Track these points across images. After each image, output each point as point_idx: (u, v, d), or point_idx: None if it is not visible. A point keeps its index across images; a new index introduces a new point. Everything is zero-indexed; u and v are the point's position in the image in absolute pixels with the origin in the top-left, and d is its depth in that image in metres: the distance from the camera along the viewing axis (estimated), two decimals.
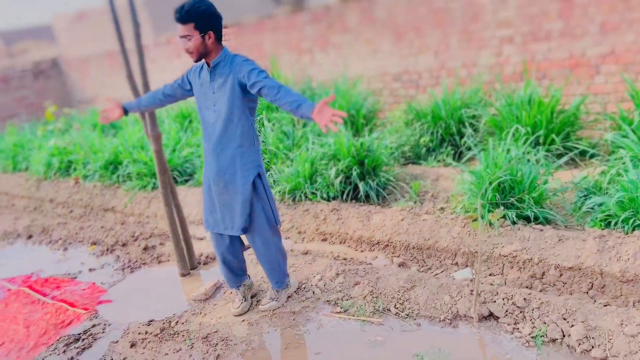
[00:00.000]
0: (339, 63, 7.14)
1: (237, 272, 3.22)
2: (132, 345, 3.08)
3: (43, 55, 16.85)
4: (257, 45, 8.02)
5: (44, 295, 3.93)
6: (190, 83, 2.97)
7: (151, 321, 3.32)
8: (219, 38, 2.77)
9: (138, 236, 4.81)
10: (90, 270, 4.34)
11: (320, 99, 6.20)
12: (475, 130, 5.22)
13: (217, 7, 2.76)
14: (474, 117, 5.29)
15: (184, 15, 2.64)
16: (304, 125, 5.88)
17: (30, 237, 5.42)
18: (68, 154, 7.30)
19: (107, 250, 4.67)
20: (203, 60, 2.83)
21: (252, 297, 3.36)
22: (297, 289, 3.40)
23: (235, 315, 3.18)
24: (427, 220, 3.89)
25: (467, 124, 5.20)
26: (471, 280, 3.15)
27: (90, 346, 3.19)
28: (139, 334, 3.18)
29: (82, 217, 5.92)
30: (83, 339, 3.26)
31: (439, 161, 5.18)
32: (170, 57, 9.43)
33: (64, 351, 3.17)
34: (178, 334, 3.14)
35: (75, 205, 6.40)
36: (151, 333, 3.17)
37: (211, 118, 2.87)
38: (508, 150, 4.10)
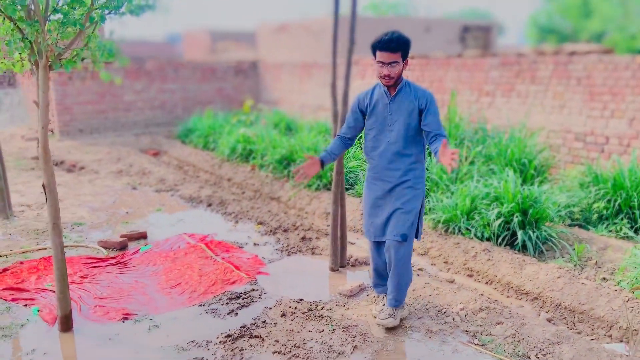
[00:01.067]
0: (520, 111, 7.06)
1: (385, 277, 3.49)
2: (282, 315, 3.48)
3: (241, 57, 19.06)
4: (439, 79, 8.26)
5: (216, 254, 4.57)
6: (362, 112, 3.32)
7: (300, 300, 3.70)
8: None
9: (298, 226, 5.31)
10: (254, 244, 4.92)
11: (495, 145, 6.23)
12: None
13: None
14: None
15: (395, 45, 3.02)
16: (472, 163, 5.95)
17: (209, 205, 6.26)
18: (251, 144, 8.25)
19: (270, 231, 5.24)
20: (375, 86, 3.29)
21: (401, 319, 3.43)
22: (437, 312, 3.52)
23: (375, 319, 3.40)
24: (586, 284, 3.73)
25: None
26: (624, 357, 2.98)
27: (248, 305, 3.66)
28: (289, 307, 3.58)
29: (252, 199, 6.66)
30: (243, 298, 3.75)
31: (610, 231, 4.88)
32: (355, 76, 10.11)
33: (227, 303, 3.69)
34: (322, 317, 3.46)
35: (247, 188, 7.21)
36: (299, 310, 3.55)
37: (387, 137, 3.23)
38: None
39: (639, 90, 5.75)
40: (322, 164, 3.28)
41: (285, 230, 5.25)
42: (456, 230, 4.84)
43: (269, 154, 7.60)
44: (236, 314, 3.54)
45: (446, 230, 4.92)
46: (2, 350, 3.09)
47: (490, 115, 7.40)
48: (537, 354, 2.98)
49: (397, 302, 3.34)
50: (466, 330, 3.29)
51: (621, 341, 3.29)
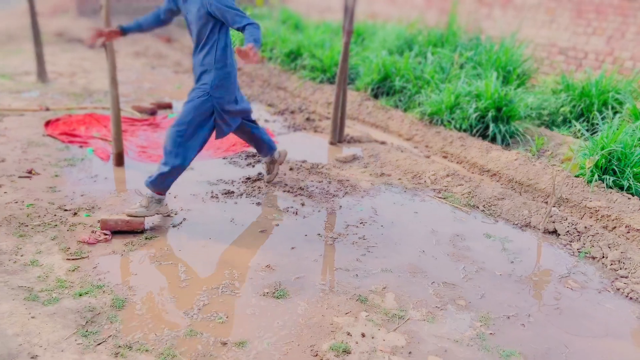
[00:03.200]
0: (514, 24, 7.60)
1: None
2: (290, 169, 4.34)
3: None
4: None
5: None
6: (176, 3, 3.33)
7: (304, 161, 4.56)
8: None
9: (303, 110, 6.08)
10: (265, 120, 5.70)
11: (485, 52, 6.85)
12: (615, 114, 5.61)
13: None
14: (619, 103, 5.66)
15: None
16: (461, 67, 6.62)
17: None
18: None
19: (279, 112, 6.01)
20: None
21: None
22: (413, 176, 4.39)
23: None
24: (536, 165, 4.60)
25: (610, 107, 5.60)
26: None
27: (261, 161, 4.52)
28: (296, 164, 4.44)
29: (261, 87, 7.35)
30: (258, 156, 4.60)
31: (571, 132, 5.69)
32: None
33: (245, 159, 4.53)
34: (322, 173, 4.33)
35: (257, 78, 7.87)
36: (304, 167, 4.41)
37: (189, 30, 3.32)
38: (633, 131, 4.58)
39: (620, 12, 6.31)
40: (124, 32, 3.40)
41: (292, 112, 6.01)
42: (439, 122, 5.63)
43: (277, 48, 8.17)
44: (253, 166, 4.40)
45: (430, 122, 5.70)
46: (71, 172, 3.95)
47: (487, 27, 7.93)
48: (484, 205, 3.90)
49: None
50: (434, 189, 4.18)
51: (555, 207, 4.21)
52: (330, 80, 7.11)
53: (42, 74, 6.16)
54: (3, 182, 3.64)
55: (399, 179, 4.35)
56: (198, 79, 3.28)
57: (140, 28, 3.40)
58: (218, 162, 4.45)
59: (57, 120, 4.92)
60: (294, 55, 7.86)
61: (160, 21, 3.41)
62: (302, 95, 7.00)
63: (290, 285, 2.74)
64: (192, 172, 4.17)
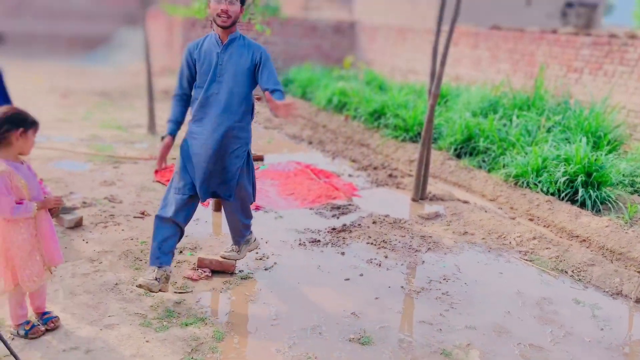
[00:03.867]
0: (604, 90, 7.49)
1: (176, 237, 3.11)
2: (373, 222, 4.50)
3: (334, 15, 19.83)
4: (531, 53, 8.73)
5: (319, 177, 5.64)
6: (193, 63, 3.04)
7: (387, 215, 4.71)
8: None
9: (386, 166, 6.28)
10: (349, 175, 5.95)
11: (574, 117, 6.78)
12: None
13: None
14: None
15: None
16: (549, 131, 6.58)
17: (310, 143, 7.36)
18: (346, 97, 9.21)
19: (362, 168, 6.24)
20: (206, 37, 3.05)
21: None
22: (498, 237, 4.39)
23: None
24: (628, 233, 4.44)
25: None
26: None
27: (346, 214, 4.71)
28: (379, 218, 4.59)
29: (345, 143, 7.68)
30: (342, 209, 4.81)
31: None
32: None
33: (330, 210, 4.76)
34: (404, 228, 4.45)
35: (340, 135, 8.23)
36: (387, 221, 4.55)
37: (214, 89, 2.99)
38: None
39: None
40: (174, 137, 3.12)
41: (374, 168, 6.23)
42: (525, 185, 5.59)
43: (362, 107, 8.54)
44: (338, 217, 4.61)
45: (516, 184, 5.68)
46: None
47: (576, 91, 7.86)
48: (572, 270, 3.81)
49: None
50: (519, 251, 4.15)
51: None
52: (413, 139, 7.29)
53: (152, 127, 6.86)
54: (121, 221, 4.09)
55: (483, 238, 4.36)
56: (225, 135, 2.99)
57: (180, 123, 3.15)
58: (305, 212, 4.70)
59: (165, 168, 5.43)
60: (377, 115, 8.17)
61: (188, 103, 3.13)
62: (385, 152, 7.22)
63: (375, 333, 2.84)
64: (282, 221, 4.44)
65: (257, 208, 4.67)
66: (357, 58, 13.47)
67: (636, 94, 7.08)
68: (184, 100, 3.11)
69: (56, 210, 2.51)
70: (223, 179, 3.08)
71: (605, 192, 5.25)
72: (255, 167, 5.92)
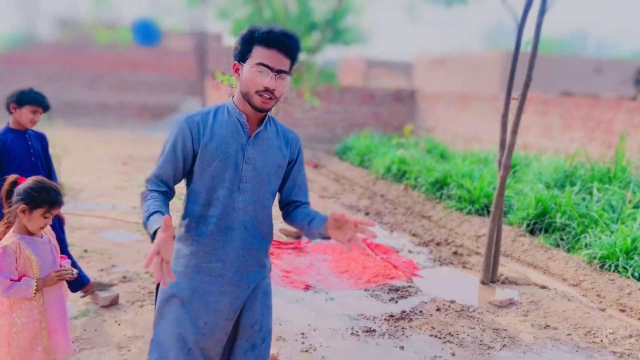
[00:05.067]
0: None
1: None
2: (437, 310, 3.96)
3: (393, 84, 19.91)
4: (607, 121, 8.10)
5: (375, 253, 5.19)
6: (191, 150, 1.90)
7: (453, 301, 4.15)
8: None
9: (450, 242, 5.74)
10: (409, 251, 5.46)
11: None
12: None
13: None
14: None
15: (294, 44, 1.87)
16: (636, 207, 5.86)
17: (367, 214, 6.96)
18: (406, 165, 8.84)
19: (424, 243, 5.74)
20: (217, 109, 1.96)
21: None
22: (586, 332, 3.72)
23: None
24: None
25: None
26: None
27: (406, 297, 4.20)
28: (444, 304, 4.05)
29: (404, 215, 7.22)
30: (401, 291, 4.30)
31: None
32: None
33: (387, 292, 4.27)
34: (474, 318, 3.87)
35: (400, 205, 7.79)
36: (452, 308, 4.00)
37: (235, 200, 1.91)
38: None
39: None
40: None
41: (437, 244, 5.71)
42: (612, 268, 4.88)
43: (422, 176, 8.11)
44: (396, 301, 4.11)
45: (601, 267, 4.97)
46: None
47: None
48: None
49: None
50: (613, 352, 3.46)
51: None
52: (479, 212, 6.73)
53: None
54: None
55: (568, 334, 3.70)
56: (258, 275, 2.01)
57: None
58: (359, 294, 4.24)
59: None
60: (439, 185, 7.70)
61: (168, 203, 1.92)
62: (448, 226, 6.68)
63: None
64: (333, 304, 4.00)
65: (307, 287, 4.26)
66: (416, 126, 13.20)
67: None
68: (166, 200, 1.88)
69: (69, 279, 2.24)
70: (253, 341, 1.99)
71: None
72: (308, 240, 5.60)
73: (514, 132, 4.27)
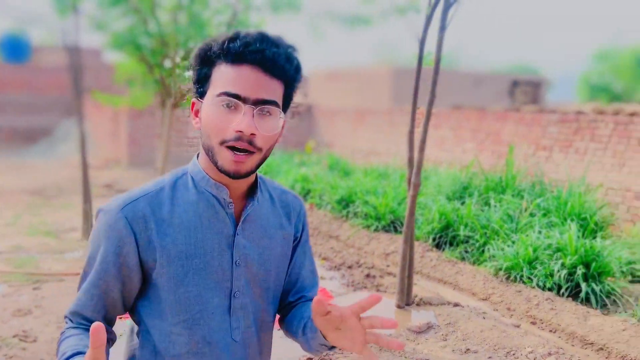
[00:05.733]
0: (578, 167, 7.19)
1: None
2: None
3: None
4: (495, 132, 8.50)
5: None
6: (136, 262, 1.13)
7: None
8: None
9: (361, 264, 5.56)
10: (321, 278, 5.16)
11: (553, 199, 6.36)
12: None
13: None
14: None
15: (282, 55, 1.10)
16: (531, 215, 6.09)
17: None
18: (309, 183, 8.62)
19: (335, 267, 5.49)
20: (173, 185, 1.18)
21: None
22: (507, 353, 3.65)
23: None
24: None
25: None
26: None
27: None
28: None
29: (312, 236, 6.95)
30: None
31: None
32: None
33: None
34: (394, 350, 3.65)
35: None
36: None
37: (224, 324, 1.19)
38: None
39: None
40: None
41: (349, 267, 5.49)
42: (518, 279, 4.96)
43: (327, 194, 7.93)
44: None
45: (507, 278, 5.05)
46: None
47: (548, 170, 7.55)
48: None
49: None
50: None
51: None
52: (386, 229, 6.66)
53: (87, 230, 5.98)
54: None
55: (489, 357, 3.61)
56: None
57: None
58: (274, 334, 3.85)
59: None
60: (345, 202, 7.56)
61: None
62: (357, 244, 6.52)
63: None
64: None
65: None
66: (316, 141, 13.13)
67: (613, 171, 6.78)
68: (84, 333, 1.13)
69: None
70: None
71: (608, 285, 4.68)
72: None
73: (422, 149, 4.17)
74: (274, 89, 1.09)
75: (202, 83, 1.13)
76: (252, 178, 1.20)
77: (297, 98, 1.22)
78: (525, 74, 25.03)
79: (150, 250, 1.11)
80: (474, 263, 5.54)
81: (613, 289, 4.65)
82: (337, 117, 12.90)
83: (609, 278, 4.78)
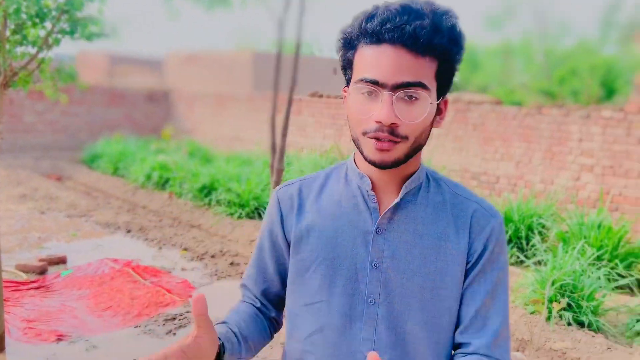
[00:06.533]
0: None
1: None
2: None
3: (144, 83, 18.78)
4: (340, 116, 8.89)
5: (144, 279, 4.57)
6: (285, 243, 1.15)
7: None
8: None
9: (225, 252, 5.45)
10: (182, 269, 4.97)
11: None
12: (543, 239, 5.64)
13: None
14: (543, 226, 5.73)
15: (431, 28, 0.94)
16: None
17: (129, 231, 6.17)
18: (168, 171, 8.22)
19: (197, 257, 5.32)
20: (329, 174, 1.16)
21: None
22: None
23: None
24: None
25: (536, 232, 5.64)
26: None
27: (185, 326, 3.74)
28: None
29: (172, 227, 6.65)
30: (179, 319, 3.82)
31: None
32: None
33: (163, 324, 3.74)
34: None
35: (165, 216, 7.17)
36: None
37: (352, 330, 1.06)
38: (572, 262, 4.51)
39: (524, 138, 6.71)
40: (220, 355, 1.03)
41: (212, 256, 5.35)
42: None
43: (188, 182, 7.64)
44: (174, 334, 3.61)
45: None
46: None
47: None
48: None
49: None
50: None
51: (517, 350, 3.84)
52: (250, 215, 6.63)
53: None
54: None
55: None
56: None
57: (240, 336, 1.11)
58: (129, 333, 3.61)
59: None
60: (207, 190, 7.35)
61: (265, 325, 1.20)
62: (221, 233, 6.39)
63: None
64: (96, 353, 3.29)
65: (60, 337, 3.43)
66: (175, 128, 12.56)
67: (454, 154, 7.50)
68: (256, 317, 1.18)
69: None
70: None
71: None
72: (54, 275, 4.61)
73: (284, 135, 4.18)
74: (420, 69, 0.95)
75: (346, 69, 1.04)
76: (406, 171, 1.05)
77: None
78: None
79: (289, 231, 1.11)
80: None
81: None
82: (197, 103, 12.47)
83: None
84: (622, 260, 5.02)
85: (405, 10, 0.94)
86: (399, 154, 0.99)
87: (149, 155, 9.14)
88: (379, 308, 1.04)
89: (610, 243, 5.05)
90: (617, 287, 4.78)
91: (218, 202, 7.07)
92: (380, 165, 0.99)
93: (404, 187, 1.05)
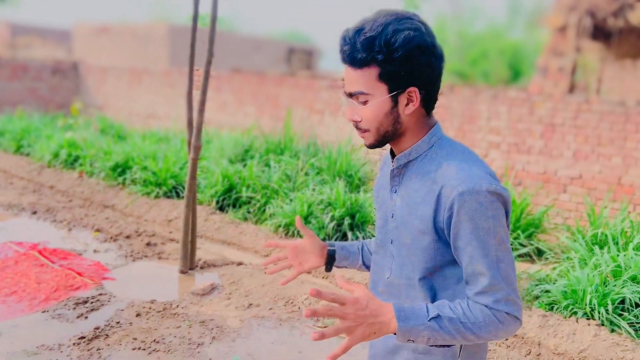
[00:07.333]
0: (346, 129, 7.95)
1: None
2: (137, 315, 3.51)
3: (49, 55, 17.48)
4: (274, 96, 8.83)
5: (52, 262, 4.31)
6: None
7: (153, 300, 3.76)
8: (427, 101, 1.32)
9: (142, 232, 5.26)
10: (94, 251, 4.74)
11: (325, 158, 6.93)
12: None
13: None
14: None
15: (360, 45, 1.23)
16: (306, 174, 6.55)
17: (34, 212, 5.78)
18: (77, 149, 7.75)
19: (111, 238, 5.09)
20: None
21: None
22: (285, 303, 3.91)
23: None
24: None
25: None
26: None
27: (98, 309, 3.59)
28: (143, 307, 3.62)
29: (83, 207, 6.30)
30: (91, 302, 3.66)
31: None
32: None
33: (74, 308, 3.57)
34: (178, 314, 3.59)
35: (75, 197, 6.78)
36: (154, 309, 3.61)
37: (385, 259, 1.44)
38: None
39: (438, 116, 6.99)
40: (330, 256, 1.61)
41: (127, 237, 5.15)
42: (295, 233, 5.32)
43: (100, 161, 7.26)
44: (86, 317, 3.46)
45: (286, 234, 5.37)
46: None
47: (321, 132, 8.18)
48: None
49: None
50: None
51: None
52: (168, 195, 6.43)
53: None
54: None
55: (270, 308, 3.81)
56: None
57: (362, 252, 1.64)
58: (36, 318, 3.40)
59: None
60: (121, 169, 7.02)
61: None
62: (136, 213, 6.15)
63: None
64: (0, 340, 3.08)
65: None
66: (85, 103, 11.83)
67: None
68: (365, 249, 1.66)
69: None
70: None
71: (369, 232, 5.34)
72: None
73: (201, 111, 4.07)
74: (360, 80, 1.26)
75: None
76: (403, 147, 1.36)
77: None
78: (300, 42, 26.46)
79: (375, 189, 1.54)
80: (256, 222, 5.73)
81: (373, 235, 5.33)
82: (108, 76, 11.80)
83: (369, 226, 5.44)
84: (523, 231, 5.43)
85: (348, 33, 1.26)
86: (370, 140, 1.35)
87: (56, 132, 8.57)
88: (394, 248, 1.40)
89: (514, 215, 5.43)
90: (519, 256, 5.18)
91: (133, 181, 6.79)
92: (367, 147, 1.37)
93: (395, 159, 1.37)
